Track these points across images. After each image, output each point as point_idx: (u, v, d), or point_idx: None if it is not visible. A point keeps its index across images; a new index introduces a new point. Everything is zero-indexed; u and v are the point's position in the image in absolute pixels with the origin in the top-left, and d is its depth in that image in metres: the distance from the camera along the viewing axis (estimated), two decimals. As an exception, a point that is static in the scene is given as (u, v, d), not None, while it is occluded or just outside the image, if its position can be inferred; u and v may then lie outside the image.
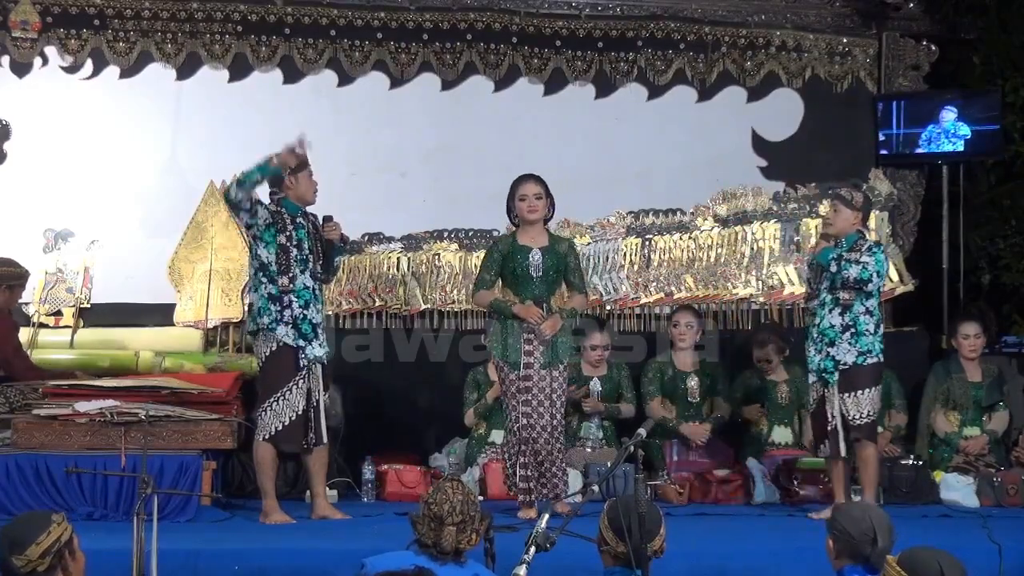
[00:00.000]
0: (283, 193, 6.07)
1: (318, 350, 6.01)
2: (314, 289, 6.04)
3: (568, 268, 6.24)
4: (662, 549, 3.84)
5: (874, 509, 3.89)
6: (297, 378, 5.94)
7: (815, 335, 6.20)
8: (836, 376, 6.10)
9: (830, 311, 6.14)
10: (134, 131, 8.12)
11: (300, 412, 5.95)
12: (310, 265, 6.03)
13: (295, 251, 5.98)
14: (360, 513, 6.33)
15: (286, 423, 5.92)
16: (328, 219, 6.17)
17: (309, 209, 6.18)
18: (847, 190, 6.38)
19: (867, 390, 6.11)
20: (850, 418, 6.10)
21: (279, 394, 5.91)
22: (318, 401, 6.03)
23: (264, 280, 5.97)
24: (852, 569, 3.75)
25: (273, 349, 5.95)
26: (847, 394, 6.10)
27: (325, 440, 6.11)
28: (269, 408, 5.91)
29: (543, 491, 6.10)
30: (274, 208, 6.02)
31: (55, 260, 7.91)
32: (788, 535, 5.82)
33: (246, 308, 6.28)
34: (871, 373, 6.14)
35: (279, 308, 5.94)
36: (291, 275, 5.96)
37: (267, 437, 5.93)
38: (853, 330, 6.09)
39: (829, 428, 6.15)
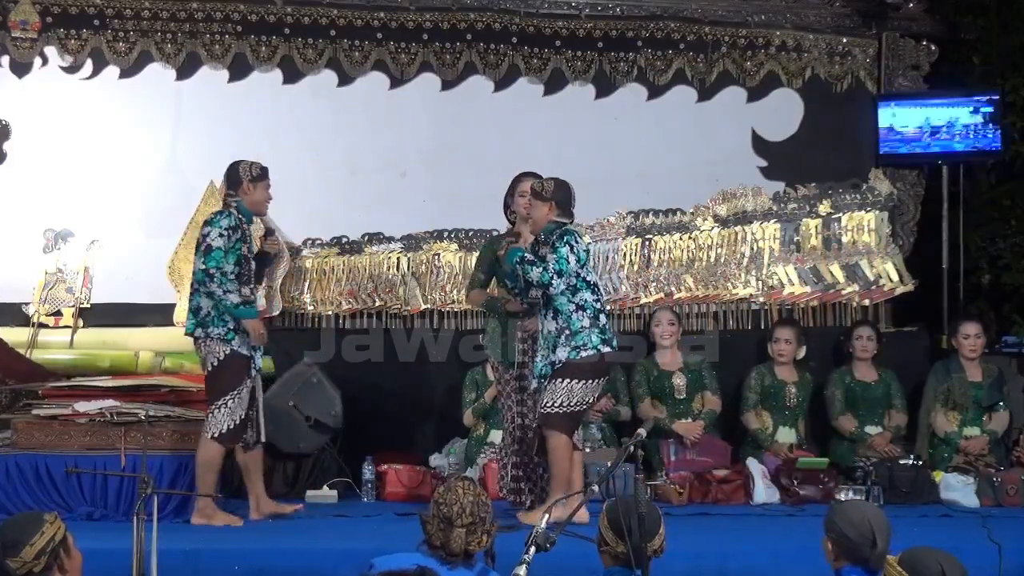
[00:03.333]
0: (240, 197, 6.08)
1: (260, 360, 6.10)
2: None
3: None
4: (662, 548, 3.85)
5: (872, 511, 3.87)
6: (248, 380, 5.99)
7: (540, 340, 5.95)
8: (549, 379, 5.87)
9: (545, 316, 5.92)
10: (134, 131, 8.12)
11: (246, 412, 5.97)
12: (254, 274, 6.11)
13: (252, 262, 6.07)
14: (360, 513, 6.35)
15: (237, 422, 5.93)
16: (270, 233, 6.20)
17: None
18: (538, 181, 6.06)
19: (567, 380, 5.82)
20: (542, 404, 5.86)
21: (235, 393, 5.92)
22: (259, 401, 6.09)
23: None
24: (851, 570, 3.75)
25: (225, 355, 5.95)
26: (550, 383, 5.86)
27: (263, 439, 6.13)
28: (224, 406, 5.92)
29: (531, 497, 6.10)
30: (235, 215, 6.04)
31: (55, 260, 7.91)
32: (788, 535, 5.83)
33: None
34: (582, 366, 5.84)
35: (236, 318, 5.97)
36: (251, 285, 6.04)
37: (216, 435, 5.92)
38: (568, 331, 5.85)
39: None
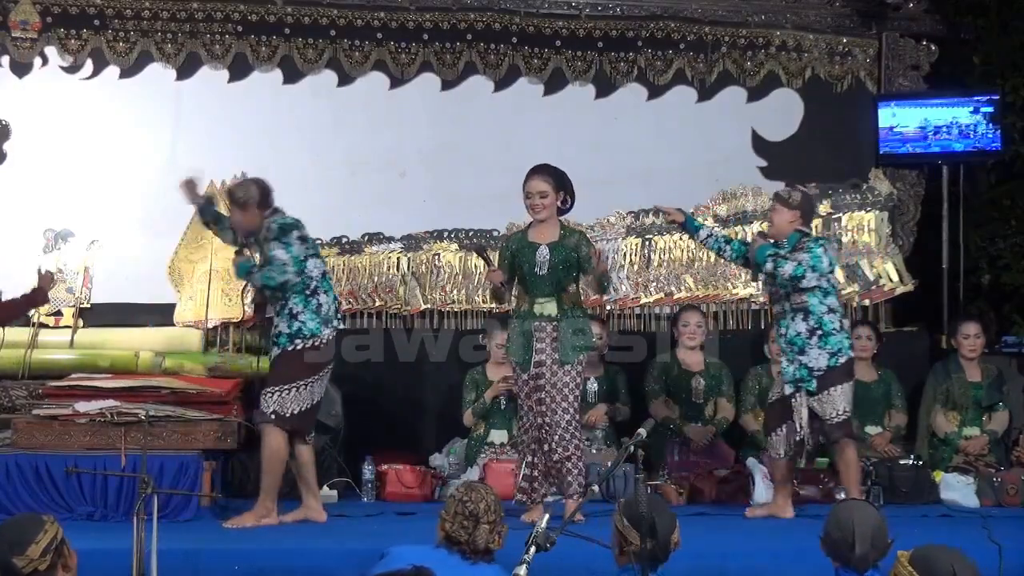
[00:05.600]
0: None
1: None
2: None
3: (580, 259, 5.99)
4: (679, 541, 3.89)
5: (862, 513, 3.82)
6: None
7: (784, 346, 6.09)
8: (814, 383, 6.00)
9: (792, 319, 6.05)
10: (134, 131, 8.12)
11: None
12: None
13: None
14: (360, 513, 6.34)
15: None
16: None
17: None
18: (786, 189, 6.35)
19: (839, 387, 6.03)
20: (827, 418, 6.03)
21: None
22: None
23: None
24: (842, 570, 3.74)
25: None
26: (821, 393, 6.02)
27: None
28: None
29: (552, 489, 6.08)
30: None
31: (55, 260, 7.90)
32: (788, 535, 5.82)
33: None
34: (843, 371, 6.07)
35: None
36: None
37: None
38: (820, 332, 5.99)
39: (796, 438, 6.08)
